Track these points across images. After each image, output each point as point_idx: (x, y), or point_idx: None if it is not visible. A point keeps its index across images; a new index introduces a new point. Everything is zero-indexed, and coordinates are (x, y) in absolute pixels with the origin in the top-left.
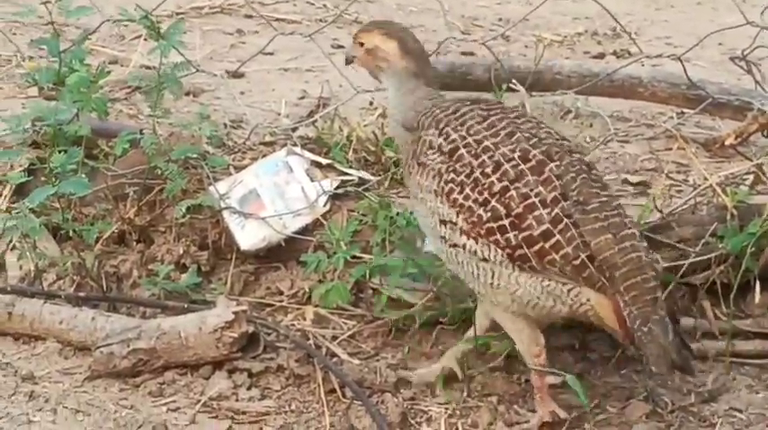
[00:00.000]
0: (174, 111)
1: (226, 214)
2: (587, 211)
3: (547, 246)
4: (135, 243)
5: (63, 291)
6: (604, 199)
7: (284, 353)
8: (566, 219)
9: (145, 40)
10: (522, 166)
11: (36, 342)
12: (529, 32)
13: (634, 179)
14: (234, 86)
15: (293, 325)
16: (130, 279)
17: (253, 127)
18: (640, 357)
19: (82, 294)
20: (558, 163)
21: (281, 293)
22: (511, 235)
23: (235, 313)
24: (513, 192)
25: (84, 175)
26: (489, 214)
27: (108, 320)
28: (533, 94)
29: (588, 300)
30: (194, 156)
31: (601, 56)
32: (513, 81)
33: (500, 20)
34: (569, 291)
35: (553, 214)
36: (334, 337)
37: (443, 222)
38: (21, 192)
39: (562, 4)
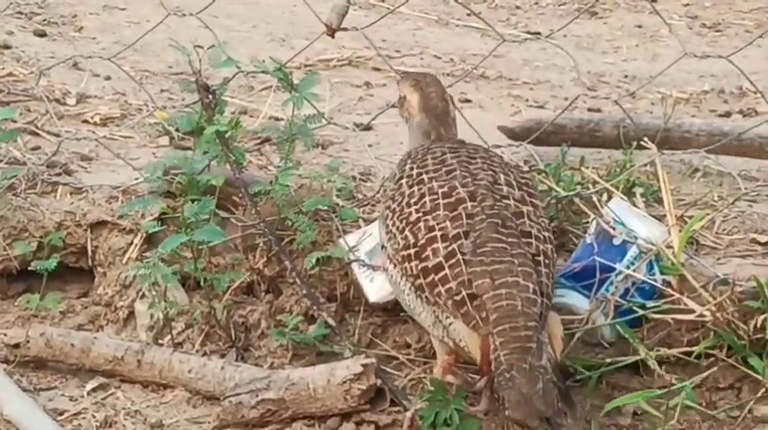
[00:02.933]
0: (303, 163)
1: (354, 266)
2: (478, 253)
3: (437, 278)
4: (263, 293)
5: (191, 340)
6: (503, 245)
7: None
8: (459, 256)
9: (274, 91)
10: (440, 201)
11: (165, 390)
12: (654, 89)
13: (762, 239)
14: (362, 139)
15: (422, 378)
16: (258, 329)
17: (382, 180)
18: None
19: None
20: (476, 203)
21: (409, 346)
22: (413, 263)
23: (363, 365)
24: (422, 224)
25: (215, 225)
26: (403, 242)
27: (237, 370)
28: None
29: (463, 335)
30: (324, 208)
31: (727, 114)
32: (644, 139)
33: (626, 77)
34: (450, 324)
35: (449, 249)
36: None
37: (382, 247)
38: (151, 241)
39: (687, 61)
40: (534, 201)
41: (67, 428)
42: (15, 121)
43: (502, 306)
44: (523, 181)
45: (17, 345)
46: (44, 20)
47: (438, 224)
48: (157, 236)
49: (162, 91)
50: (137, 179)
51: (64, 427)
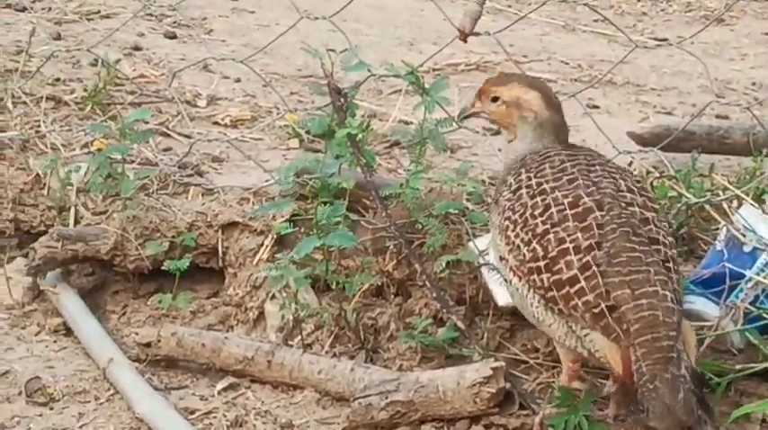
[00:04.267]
0: (433, 167)
1: (484, 270)
2: (613, 264)
3: (572, 291)
4: (393, 296)
5: (320, 342)
6: (638, 254)
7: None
8: (594, 268)
9: (403, 95)
10: (568, 212)
11: (294, 391)
12: None
13: None
14: (491, 143)
15: (551, 382)
16: (388, 332)
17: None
18: (641, 411)
19: None
20: (604, 213)
21: (537, 351)
22: (544, 276)
23: (493, 369)
24: (552, 236)
25: (346, 228)
26: (531, 254)
27: (366, 372)
28: None
29: (602, 347)
30: (454, 211)
31: None
32: None
33: (753, 84)
34: (586, 336)
35: (583, 261)
36: None
37: (501, 259)
38: (282, 242)
39: None
40: (654, 206)
41: (198, 427)
42: (147, 122)
43: (644, 316)
44: (640, 185)
45: (148, 344)
46: (174, 22)
47: (569, 236)
48: (288, 237)
49: (291, 93)
50: (267, 181)
51: (195, 426)
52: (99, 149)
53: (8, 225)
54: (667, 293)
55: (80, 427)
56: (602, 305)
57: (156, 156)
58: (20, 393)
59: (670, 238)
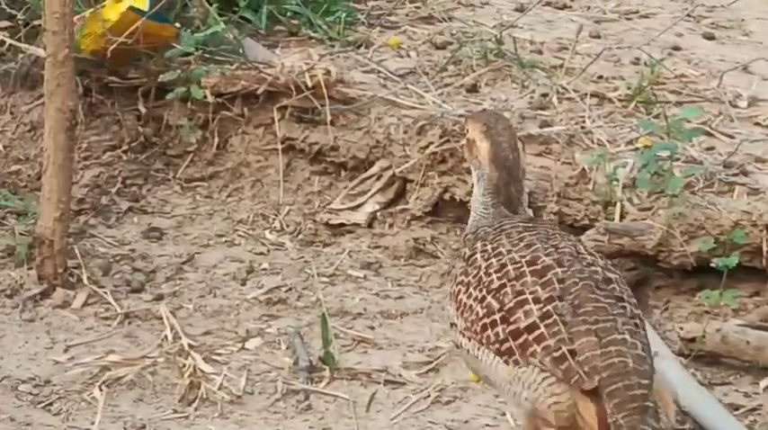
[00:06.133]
0: None
1: None
2: (578, 314)
3: (530, 338)
4: None
5: None
6: (603, 305)
7: None
8: (555, 316)
9: None
10: (525, 268)
11: None
12: None
13: None
14: None
15: None
16: None
17: None
18: None
19: None
20: (565, 269)
21: None
22: (500, 328)
23: None
24: (509, 289)
25: None
26: (485, 310)
27: None
28: None
29: (570, 399)
30: None
31: None
32: None
33: None
34: (550, 386)
35: (544, 310)
36: None
37: (451, 325)
38: None
39: None
40: (617, 272)
41: (743, 423)
42: (690, 122)
43: (613, 363)
44: (601, 254)
45: (692, 340)
46: (712, 23)
47: (528, 289)
48: None
49: None
50: None
51: (741, 422)
52: (645, 146)
53: (552, 217)
54: (638, 342)
55: None
56: (564, 349)
57: (700, 155)
58: None
59: (634, 300)
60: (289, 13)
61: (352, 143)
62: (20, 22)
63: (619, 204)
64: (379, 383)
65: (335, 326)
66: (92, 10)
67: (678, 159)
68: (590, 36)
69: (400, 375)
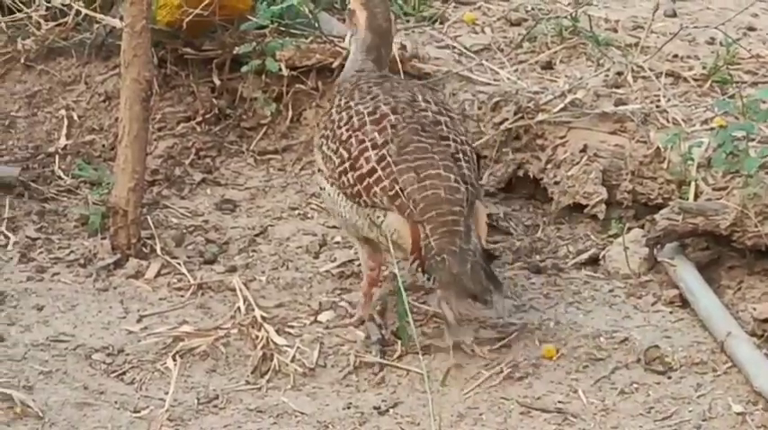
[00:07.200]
0: None
1: None
2: (401, 154)
3: (371, 181)
4: None
5: None
6: (424, 145)
7: None
8: (388, 158)
9: None
10: (366, 118)
11: None
12: None
13: None
14: None
15: None
16: None
17: None
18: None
19: None
20: (398, 116)
21: None
22: (350, 175)
23: None
24: (353, 139)
25: None
26: (339, 159)
27: None
28: None
29: (397, 228)
30: None
31: None
32: None
33: None
34: (383, 221)
35: (379, 155)
36: None
37: (318, 170)
38: None
39: None
40: (451, 114)
41: None
42: (765, 102)
43: (426, 196)
44: (440, 101)
45: (765, 320)
46: None
47: (367, 137)
48: None
49: None
50: None
51: None
52: (721, 126)
53: (626, 196)
54: (451, 176)
55: (697, 397)
56: (397, 188)
57: None
58: (638, 360)
59: (463, 137)
60: None
61: None
62: None
63: (693, 184)
64: (451, 358)
65: (408, 300)
66: None
67: (754, 139)
68: (665, 15)
69: (472, 350)
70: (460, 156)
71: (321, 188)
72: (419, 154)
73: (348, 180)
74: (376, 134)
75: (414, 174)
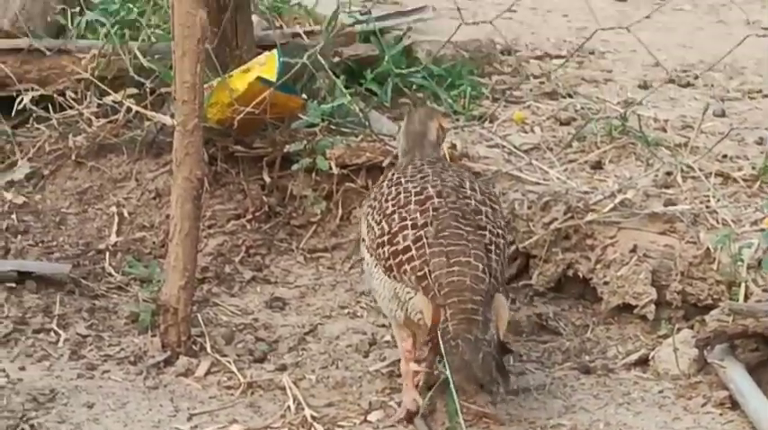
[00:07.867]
0: None
1: None
2: (438, 238)
3: (404, 258)
4: None
5: None
6: (460, 232)
7: None
8: (424, 240)
9: None
10: (411, 197)
11: None
12: None
13: None
14: None
15: None
16: None
17: None
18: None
19: None
20: (442, 200)
21: None
22: (386, 249)
23: None
24: (396, 215)
25: None
26: (380, 232)
27: None
28: None
29: (420, 306)
30: None
31: None
32: None
33: None
34: (410, 299)
35: (416, 235)
36: None
37: (362, 240)
38: None
39: None
40: (494, 205)
41: None
42: None
43: (453, 281)
44: (487, 190)
45: None
46: None
47: (410, 215)
48: None
49: None
50: None
51: None
52: None
53: (676, 297)
54: (480, 265)
55: None
56: (426, 269)
57: None
58: None
59: (500, 230)
60: (414, 87)
61: None
62: (147, 90)
63: (743, 285)
64: None
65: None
66: (220, 79)
67: None
68: (714, 115)
69: None
70: (492, 247)
71: (361, 258)
72: (453, 239)
73: (384, 253)
74: (418, 214)
75: (444, 259)
